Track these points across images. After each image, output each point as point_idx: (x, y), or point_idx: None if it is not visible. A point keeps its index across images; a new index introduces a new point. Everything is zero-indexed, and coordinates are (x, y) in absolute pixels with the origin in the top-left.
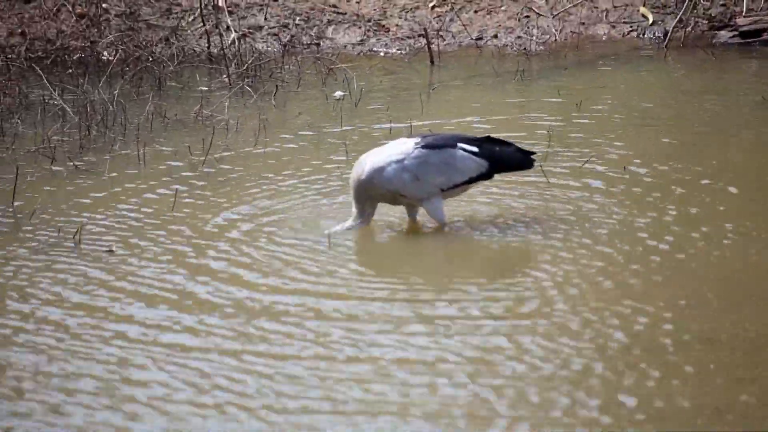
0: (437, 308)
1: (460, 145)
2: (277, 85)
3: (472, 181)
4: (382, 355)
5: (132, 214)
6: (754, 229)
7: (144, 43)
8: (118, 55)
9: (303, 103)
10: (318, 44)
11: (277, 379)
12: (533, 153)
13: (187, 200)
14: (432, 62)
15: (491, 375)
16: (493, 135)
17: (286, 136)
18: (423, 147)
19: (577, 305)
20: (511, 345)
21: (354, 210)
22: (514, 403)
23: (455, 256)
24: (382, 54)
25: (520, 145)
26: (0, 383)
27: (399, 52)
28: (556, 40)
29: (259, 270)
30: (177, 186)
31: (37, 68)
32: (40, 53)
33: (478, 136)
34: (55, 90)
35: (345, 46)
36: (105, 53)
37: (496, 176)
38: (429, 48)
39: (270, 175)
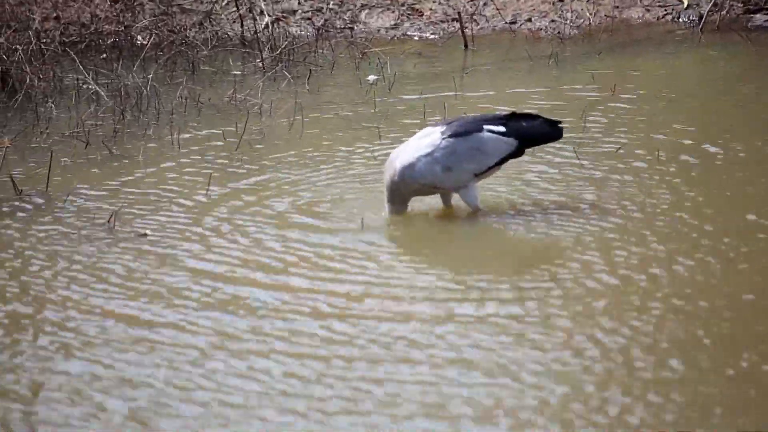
0: (484, 296)
1: (486, 127)
2: (310, 70)
3: (503, 161)
4: (428, 353)
5: (166, 199)
6: None
7: (178, 28)
8: (152, 40)
9: (337, 87)
10: (352, 28)
11: (325, 375)
12: (560, 122)
13: (221, 184)
14: (466, 46)
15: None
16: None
17: (320, 120)
18: (450, 136)
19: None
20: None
21: (386, 206)
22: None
23: (495, 242)
24: (415, 38)
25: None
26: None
27: (433, 36)
28: (590, 23)
29: (293, 255)
30: (211, 170)
31: (71, 52)
32: (74, 37)
33: (502, 114)
34: (89, 74)
35: (378, 30)
36: (139, 37)
37: (531, 156)
38: (463, 32)
39: (304, 159)
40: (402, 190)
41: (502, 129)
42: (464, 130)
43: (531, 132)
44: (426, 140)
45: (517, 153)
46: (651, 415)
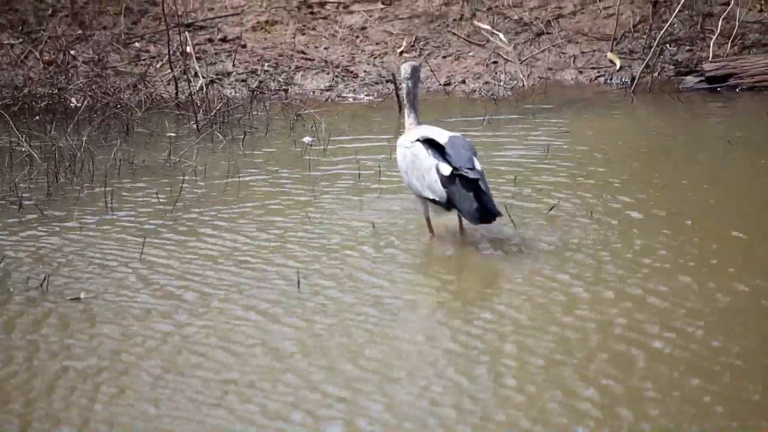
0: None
1: (440, 163)
2: (245, 131)
3: (430, 200)
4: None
5: (99, 262)
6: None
7: (112, 90)
8: (86, 102)
9: (272, 148)
10: (286, 90)
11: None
12: (497, 215)
13: (156, 247)
14: (400, 108)
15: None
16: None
17: (255, 181)
18: (423, 142)
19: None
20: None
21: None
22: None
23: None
24: (350, 100)
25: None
26: None
27: (367, 97)
28: (523, 85)
29: (232, 318)
30: (145, 233)
31: (5, 115)
32: (7, 100)
33: (474, 166)
34: (22, 136)
35: (313, 92)
36: (73, 100)
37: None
38: (397, 93)
39: (240, 220)
40: None
41: (447, 173)
42: (431, 151)
43: (460, 200)
44: (425, 131)
45: (445, 205)
46: None
